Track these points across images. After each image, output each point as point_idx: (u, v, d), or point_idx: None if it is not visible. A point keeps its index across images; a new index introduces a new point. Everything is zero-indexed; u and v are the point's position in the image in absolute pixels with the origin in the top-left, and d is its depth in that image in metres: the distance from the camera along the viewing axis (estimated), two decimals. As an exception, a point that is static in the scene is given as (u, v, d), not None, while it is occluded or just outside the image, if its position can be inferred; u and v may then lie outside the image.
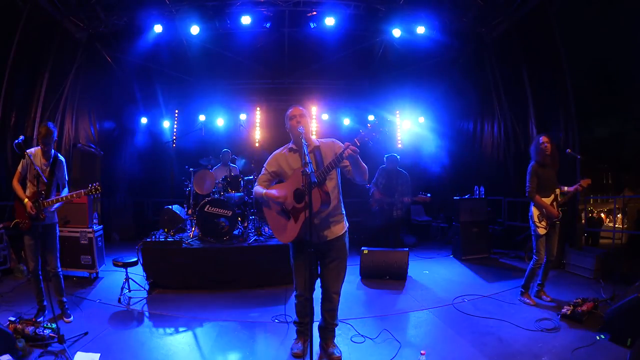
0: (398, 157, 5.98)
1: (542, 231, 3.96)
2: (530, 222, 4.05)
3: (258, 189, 2.84)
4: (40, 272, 3.51)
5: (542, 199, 3.98)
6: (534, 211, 4.02)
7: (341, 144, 2.63)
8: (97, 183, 3.35)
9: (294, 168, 2.75)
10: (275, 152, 2.92)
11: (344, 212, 2.85)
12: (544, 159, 3.98)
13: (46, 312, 3.55)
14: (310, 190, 2.33)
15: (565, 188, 4.04)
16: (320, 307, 2.89)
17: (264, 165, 2.90)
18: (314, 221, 2.52)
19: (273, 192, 2.72)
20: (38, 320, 3.34)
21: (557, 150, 4.10)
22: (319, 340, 2.97)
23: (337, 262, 2.77)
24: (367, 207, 6.11)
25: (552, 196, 4.01)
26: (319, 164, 2.64)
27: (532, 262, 4.03)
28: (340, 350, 2.90)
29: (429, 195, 5.72)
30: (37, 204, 3.29)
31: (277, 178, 2.89)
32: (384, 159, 5.97)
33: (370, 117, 9.43)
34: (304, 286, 2.80)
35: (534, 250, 4.03)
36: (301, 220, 2.63)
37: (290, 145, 2.87)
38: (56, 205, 3.45)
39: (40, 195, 3.28)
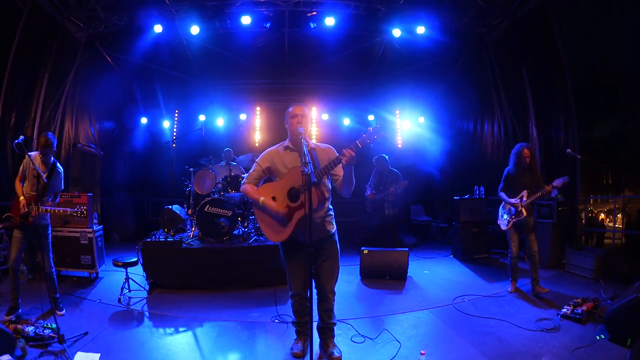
0: (387, 157, 6.06)
1: (502, 226, 4.50)
2: None
3: (250, 190, 2.78)
4: (25, 267, 3.58)
5: (511, 198, 4.40)
6: (500, 208, 4.58)
7: (336, 152, 2.71)
8: (85, 207, 3.51)
9: (288, 167, 2.73)
10: (269, 149, 2.89)
11: (333, 214, 2.88)
12: (519, 167, 4.34)
13: (19, 310, 3.54)
14: (310, 190, 2.33)
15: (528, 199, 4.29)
16: (316, 308, 2.88)
17: (256, 160, 2.85)
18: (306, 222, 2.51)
19: (271, 203, 2.67)
20: (10, 318, 3.37)
21: (534, 157, 4.46)
22: (318, 340, 2.96)
23: (330, 261, 2.79)
24: (364, 207, 6.13)
25: (519, 196, 4.34)
26: (315, 166, 2.61)
27: (510, 254, 4.55)
28: (340, 350, 2.90)
29: (405, 180, 5.95)
30: (30, 206, 3.40)
31: (268, 175, 2.86)
32: (373, 161, 6.00)
33: (371, 117, 9.44)
34: (301, 285, 2.80)
35: (509, 244, 4.54)
36: (295, 219, 2.62)
37: (286, 143, 2.85)
38: (47, 208, 3.51)
39: (34, 199, 3.35)
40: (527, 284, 4.46)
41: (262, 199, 2.69)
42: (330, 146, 2.84)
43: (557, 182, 4.02)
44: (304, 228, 2.56)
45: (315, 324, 2.85)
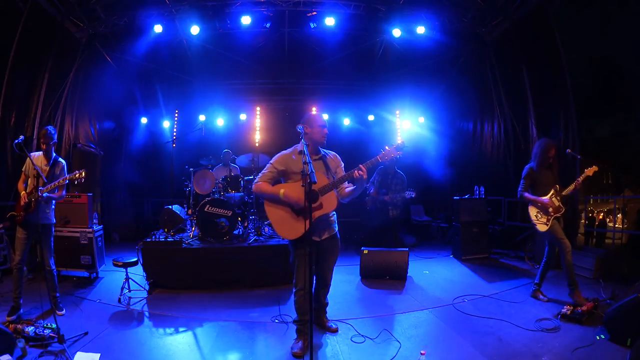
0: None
1: (542, 227, 3.98)
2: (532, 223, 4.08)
3: (265, 186, 2.94)
4: (25, 268, 3.61)
5: (541, 196, 4.02)
6: (531, 210, 4.08)
7: (341, 160, 3.16)
8: (82, 170, 3.52)
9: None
10: (283, 152, 3.05)
11: (335, 213, 3.15)
12: (543, 163, 4.04)
13: (21, 310, 3.56)
14: (311, 189, 2.46)
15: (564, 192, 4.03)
16: (314, 292, 3.25)
17: (271, 162, 3.00)
18: (321, 220, 2.93)
19: (293, 194, 2.85)
20: (12, 318, 3.39)
21: (558, 154, 4.11)
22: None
23: (333, 257, 3.18)
24: (365, 207, 6.10)
25: (552, 191, 4.03)
26: (329, 172, 2.98)
27: (562, 255, 3.91)
28: (336, 324, 3.41)
29: (413, 191, 5.70)
30: (32, 195, 3.43)
31: (280, 177, 3.04)
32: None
33: (371, 117, 9.47)
34: (306, 280, 2.92)
35: (557, 244, 3.95)
36: (312, 218, 2.80)
37: (300, 148, 2.94)
38: (51, 195, 3.54)
39: (37, 190, 3.37)
40: (528, 284, 4.45)
41: (282, 191, 2.87)
42: (336, 154, 3.18)
43: (589, 171, 3.90)
44: (318, 226, 2.93)
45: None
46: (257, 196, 3.13)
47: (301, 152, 2.89)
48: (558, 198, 4.00)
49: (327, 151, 3.13)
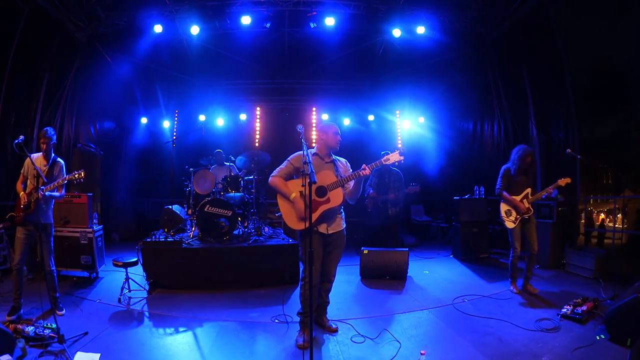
0: None
1: (510, 225, 4.38)
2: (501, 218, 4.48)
3: (280, 183, 3.21)
4: (24, 268, 3.63)
5: (512, 196, 4.37)
6: (502, 207, 4.48)
7: (349, 167, 3.43)
8: (82, 171, 3.61)
9: (318, 172, 3.10)
10: (299, 152, 3.24)
11: (344, 213, 3.38)
12: (519, 169, 4.38)
13: (21, 310, 3.56)
14: (311, 187, 2.58)
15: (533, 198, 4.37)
16: (318, 289, 3.34)
17: (289, 159, 3.30)
18: (328, 213, 3.16)
19: (301, 203, 3.07)
20: (12, 318, 3.40)
21: (534, 161, 4.49)
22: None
23: (339, 250, 3.33)
24: (365, 207, 6.10)
25: (523, 194, 4.36)
26: (338, 173, 3.25)
27: (510, 256, 4.46)
28: (336, 323, 3.47)
29: (417, 185, 5.74)
30: (31, 195, 3.47)
31: (294, 174, 3.31)
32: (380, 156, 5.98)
33: (371, 117, 9.47)
34: (315, 272, 3.14)
35: (511, 244, 4.43)
36: (320, 211, 3.10)
37: (315, 151, 3.33)
38: (52, 194, 3.58)
39: (37, 190, 3.40)
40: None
41: (293, 195, 3.14)
42: (347, 161, 3.45)
43: (562, 182, 4.18)
44: (326, 218, 3.15)
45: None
46: (271, 189, 3.31)
47: (315, 154, 3.27)
48: (526, 201, 4.32)
49: (338, 158, 3.41)
